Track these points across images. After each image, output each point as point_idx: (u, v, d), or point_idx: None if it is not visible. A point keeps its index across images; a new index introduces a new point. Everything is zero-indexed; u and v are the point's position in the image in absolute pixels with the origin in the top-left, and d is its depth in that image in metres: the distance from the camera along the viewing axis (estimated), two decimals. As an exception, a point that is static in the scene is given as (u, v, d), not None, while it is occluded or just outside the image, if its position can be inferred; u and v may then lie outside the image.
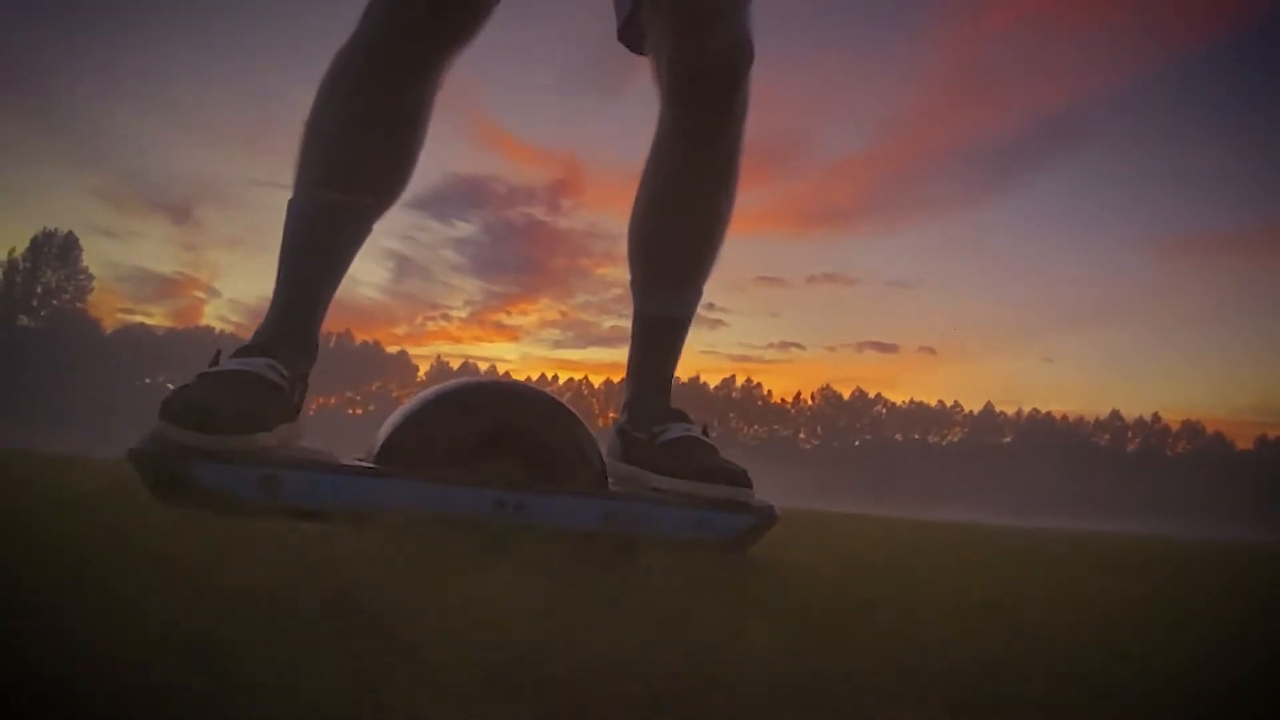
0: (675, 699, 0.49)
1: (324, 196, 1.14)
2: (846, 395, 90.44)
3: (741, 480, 1.20)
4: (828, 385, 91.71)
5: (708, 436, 1.28)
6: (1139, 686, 0.61)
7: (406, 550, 0.82)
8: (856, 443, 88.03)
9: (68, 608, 0.53)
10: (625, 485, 1.23)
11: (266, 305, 1.15)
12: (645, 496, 1.16)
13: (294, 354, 1.10)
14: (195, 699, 0.41)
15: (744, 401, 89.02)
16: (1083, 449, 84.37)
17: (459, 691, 0.45)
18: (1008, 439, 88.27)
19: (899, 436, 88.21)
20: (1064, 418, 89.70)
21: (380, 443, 1.08)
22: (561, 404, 1.17)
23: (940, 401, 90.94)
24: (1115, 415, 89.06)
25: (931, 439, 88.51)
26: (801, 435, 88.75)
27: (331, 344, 71.92)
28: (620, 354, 1.37)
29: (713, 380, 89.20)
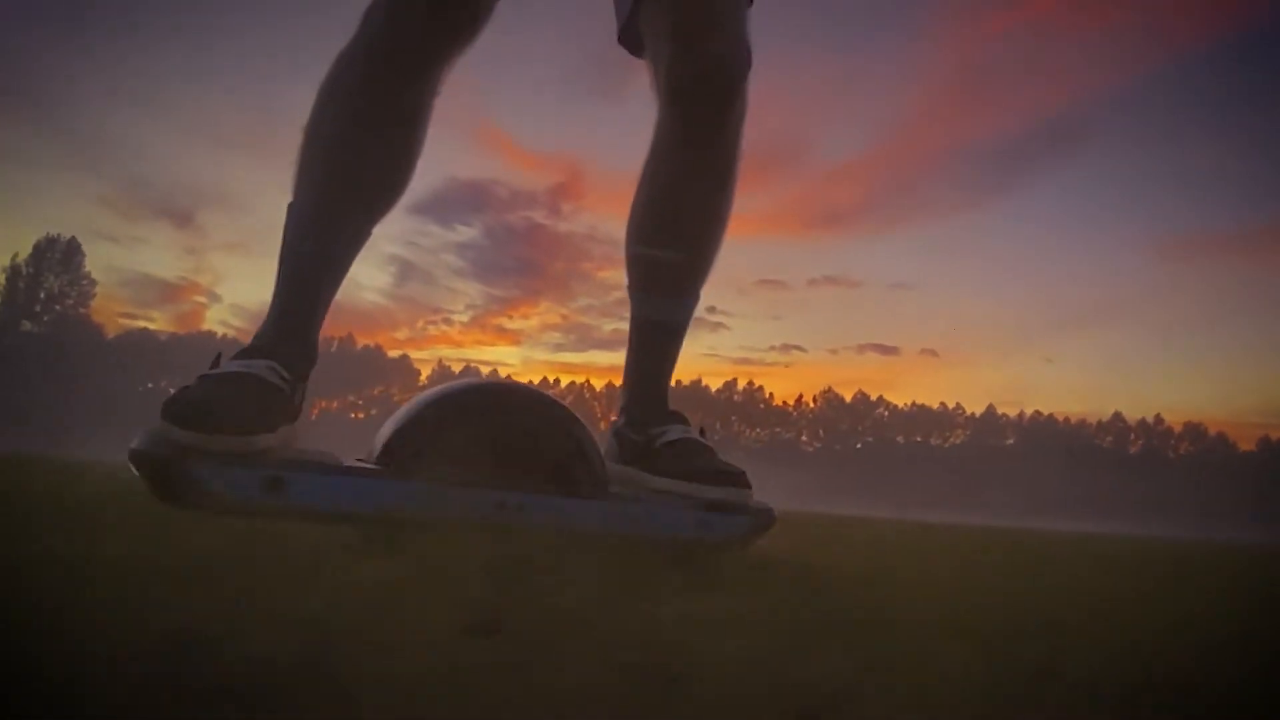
0: (675, 699, 0.49)
1: (324, 199, 1.15)
2: (848, 398, 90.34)
3: (740, 481, 1.21)
4: (829, 388, 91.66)
5: (705, 438, 1.28)
6: (1139, 686, 0.61)
7: (407, 550, 0.82)
8: (859, 445, 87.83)
9: (68, 608, 0.53)
10: (624, 487, 1.23)
11: (267, 310, 1.15)
12: (645, 498, 1.17)
13: (294, 356, 1.10)
14: (195, 699, 0.41)
15: (746, 404, 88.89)
16: (1085, 451, 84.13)
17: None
18: (1010, 441, 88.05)
19: (901, 439, 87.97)
20: (1066, 420, 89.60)
21: (380, 444, 1.08)
22: (562, 405, 1.17)
23: (942, 403, 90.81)
24: (1118, 417, 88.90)
25: (934, 441, 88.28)
26: (803, 438, 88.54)
27: (333, 348, 71.97)
28: (621, 357, 1.37)
29: (714, 383, 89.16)
